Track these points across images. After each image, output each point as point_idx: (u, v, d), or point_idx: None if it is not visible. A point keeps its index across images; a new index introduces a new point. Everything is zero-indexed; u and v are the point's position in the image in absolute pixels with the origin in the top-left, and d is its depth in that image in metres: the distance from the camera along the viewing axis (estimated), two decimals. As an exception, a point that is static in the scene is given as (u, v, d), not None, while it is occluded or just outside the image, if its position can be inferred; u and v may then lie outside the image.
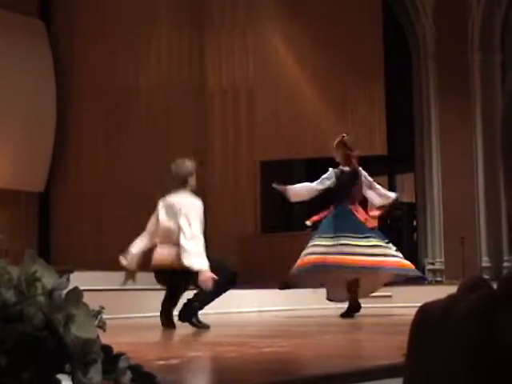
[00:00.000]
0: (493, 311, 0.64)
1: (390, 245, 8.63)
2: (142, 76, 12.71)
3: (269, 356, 4.27)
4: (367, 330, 7.08)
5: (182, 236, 6.72)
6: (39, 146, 12.18)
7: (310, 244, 8.57)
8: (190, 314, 6.68)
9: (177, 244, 6.79)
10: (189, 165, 7.05)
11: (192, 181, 7.00)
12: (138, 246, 7.10)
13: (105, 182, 12.08)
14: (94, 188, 12.17)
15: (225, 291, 6.90)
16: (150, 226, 7.15)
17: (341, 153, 8.75)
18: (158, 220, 7.04)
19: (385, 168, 14.45)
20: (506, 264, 12.83)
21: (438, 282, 12.88)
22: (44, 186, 12.41)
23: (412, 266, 8.73)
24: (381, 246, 8.49)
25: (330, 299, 8.92)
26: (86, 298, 1.34)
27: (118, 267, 10.39)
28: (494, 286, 0.71)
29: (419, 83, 13.82)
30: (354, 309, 8.54)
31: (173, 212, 6.90)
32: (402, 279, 8.99)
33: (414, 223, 14.08)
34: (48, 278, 1.31)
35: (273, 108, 13.02)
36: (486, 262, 13.15)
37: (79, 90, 12.64)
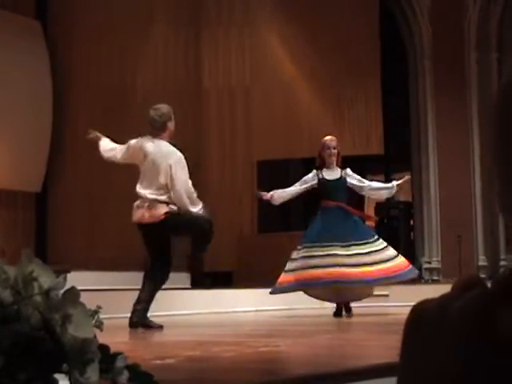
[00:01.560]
0: (489, 310, 0.64)
1: (379, 242, 8.51)
2: (138, 75, 12.70)
3: (265, 355, 4.27)
4: (364, 329, 7.08)
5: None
6: (36, 146, 12.17)
7: (295, 256, 8.57)
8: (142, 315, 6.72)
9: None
10: (168, 109, 7.19)
11: (171, 126, 7.12)
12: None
13: (102, 182, 12.06)
14: (91, 188, 12.16)
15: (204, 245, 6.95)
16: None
17: (336, 152, 8.76)
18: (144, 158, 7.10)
19: (381, 167, 14.46)
20: (502, 263, 12.85)
21: (434, 281, 12.89)
22: (41, 186, 12.40)
23: (402, 267, 8.56)
24: (366, 252, 8.37)
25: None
26: (83, 298, 1.34)
27: (115, 267, 10.40)
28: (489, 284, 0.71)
29: (416, 83, 13.83)
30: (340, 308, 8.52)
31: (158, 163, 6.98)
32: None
33: (411, 222, 14.09)
34: (45, 278, 1.31)
35: (269, 108, 13.02)
36: (482, 260, 13.17)
37: (76, 89, 12.63)
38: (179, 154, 7.03)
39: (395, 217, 13.80)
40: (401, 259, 8.59)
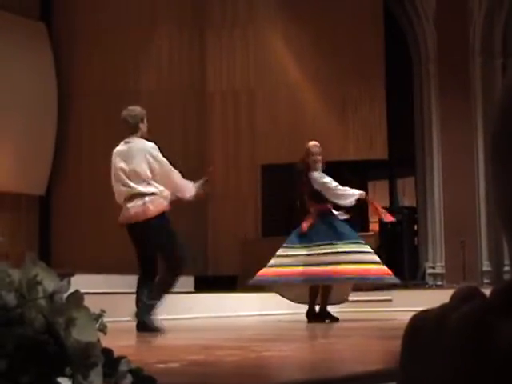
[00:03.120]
0: (487, 321, 0.64)
1: (356, 245, 8.37)
2: (142, 77, 12.72)
3: (268, 360, 4.27)
4: (367, 334, 7.07)
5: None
6: (40, 149, 12.19)
7: (279, 253, 8.57)
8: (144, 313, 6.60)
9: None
10: (140, 111, 7.22)
11: (143, 127, 7.13)
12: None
13: (105, 185, 12.04)
14: (95, 191, 12.16)
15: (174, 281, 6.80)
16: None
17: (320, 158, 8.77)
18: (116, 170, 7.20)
19: (385, 172, 14.45)
20: (506, 268, 12.82)
21: (438, 286, 12.87)
22: (45, 189, 12.41)
23: (383, 272, 8.37)
24: (330, 253, 8.31)
25: (297, 302, 8.90)
26: (87, 302, 1.34)
27: (119, 270, 10.39)
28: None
29: (420, 87, 13.83)
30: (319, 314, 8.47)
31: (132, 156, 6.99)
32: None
33: (415, 227, 14.07)
34: (49, 282, 1.31)
35: (273, 110, 13.03)
36: (486, 266, 13.15)
37: (80, 91, 12.64)
38: (151, 143, 7.04)
39: (399, 222, 13.78)
40: (382, 266, 8.40)
